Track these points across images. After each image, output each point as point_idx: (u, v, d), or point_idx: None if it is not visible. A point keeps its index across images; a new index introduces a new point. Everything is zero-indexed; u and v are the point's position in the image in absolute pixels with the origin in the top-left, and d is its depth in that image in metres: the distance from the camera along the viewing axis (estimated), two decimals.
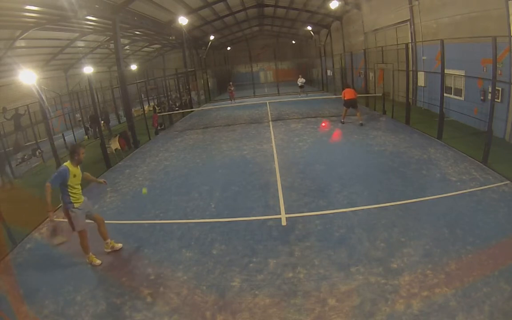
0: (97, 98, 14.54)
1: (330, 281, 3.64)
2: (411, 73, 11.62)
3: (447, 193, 5.43)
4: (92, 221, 4.56)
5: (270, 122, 13.09)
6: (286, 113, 15.02)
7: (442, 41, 8.05)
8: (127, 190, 7.15)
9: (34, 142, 12.19)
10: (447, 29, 10.30)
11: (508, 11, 7.52)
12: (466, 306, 3.08)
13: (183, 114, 17.72)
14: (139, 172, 8.38)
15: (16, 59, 13.50)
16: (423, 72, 12.38)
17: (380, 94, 13.42)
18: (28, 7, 10.25)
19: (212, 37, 25.19)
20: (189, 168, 8.28)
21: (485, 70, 8.59)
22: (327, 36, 24.87)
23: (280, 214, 5.33)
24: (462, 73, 9.74)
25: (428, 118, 10.96)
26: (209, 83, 28.54)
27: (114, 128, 16.44)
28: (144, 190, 6.41)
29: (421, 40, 12.43)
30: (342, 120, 11.52)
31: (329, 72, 25.20)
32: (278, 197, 5.96)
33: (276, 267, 3.98)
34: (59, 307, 3.66)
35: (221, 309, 3.40)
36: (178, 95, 20.12)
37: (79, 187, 4.37)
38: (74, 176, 4.26)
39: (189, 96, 20.87)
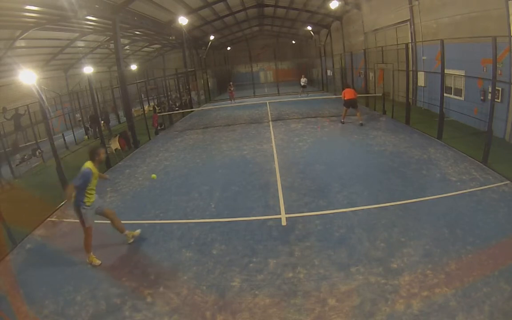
0: (97, 98, 14.53)
1: (330, 281, 3.64)
2: (411, 73, 11.62)
3: (447, 193, 5.43)
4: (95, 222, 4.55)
5: (270, 122, 13.09)
6: (286, 113, 15.02)
7: (442, 41, 8.05)
8: (127, 190, 7.15)
9: (34, 142, 12.19)
10: (447, 29, 10.30)
11: (508, 11, 7.52)
12: (466, 306, 3.08)
13: (183, 114, 17.72)
14: (139, 172, 8.38)
15: (16, 59, 13.49)
16: (423, 72, 12.38)
17: (380, 94, 13.42)
18: (28, 7, 10.25)
19: (212, 37, 25.19)
20: (189, 168, 8.28)
21: (485, 70, 8.59)
22: (327, 36, 24.86)
23: (280, 214, 5.33)
24: (462, 73, 9.74)
25: (428, 118, 10.96)
26: (209, 83, 28.53)
27: (114, 128, 16.44)
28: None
29: (421, 40, 12.43)
30: (342, 120, 11.52)
31: (329, 72, 25.19)
32: (278, 197, 5.96)
33: (276, 267, 3.98)
34: (59, 307, 3.66)
35: (221, 309, 3.40)
36: (178, 95, 20.12)
37: (95, 186, 4.45)
38: (95, 177, 4.35)
39: (189, 96, 20.87)
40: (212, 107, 20.96)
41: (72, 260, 4.58)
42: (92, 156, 4.40)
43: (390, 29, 14.84)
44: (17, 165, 10.58)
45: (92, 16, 11.52)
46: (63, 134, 14.25)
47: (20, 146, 12.37)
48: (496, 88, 6.96)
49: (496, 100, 7.11)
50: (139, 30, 17.07)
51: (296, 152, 8.66)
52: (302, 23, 25.73)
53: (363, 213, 5.08)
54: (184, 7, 16.57)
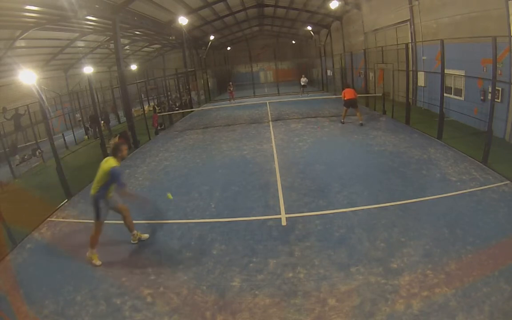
0: (97, 98, 14.54)
1: (330, 281, 3.64)
2: (411, 73, 11.61)
3: (447, 193, 5.43)
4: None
5: (270, 122, 13.09)
6: (286, 113, 15.02)
7: (442, 41, 8.05)
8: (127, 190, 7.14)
9: (34, 142, 12.19)
10: (447, 29, 10.30)
11: (508, 11, 7.52)
12: (466, 306, 3.08)
13: (183, 114, 17.71)
14: (139, 172, 8.37)
15: (16, 59, 13.49)
16: (423, 72, 12.38)
17: (380, 94, 13.41)
18: (28, 7, 10.25)
19: (212, 37, 25.18)
20: (189, 168, 8.28)
21: (485, 70, 8.59)
22: (327, 36, 24.86)
23: (280, 214, 5.33)
24: (462, 73, 9.74)
25: (428, 118, 10.95)
26: (209, 83, 28.52)
27: (114, 128, 16.44)
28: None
29: (421, 40, 12.43)
30: (342, 120, 11.52)
31: (329, 72, 25.20)
32: (278, 197, 5.96)
33: (276, 267, 3.98)
34: (59, 307, 3.66)
35: (221, 309, 3.40)
36: (178, 95, 20.12)
37: None
38: None
39: (189, 96, 20.86)
40: (212, 107, 20.95)
41: (72, 260, 4.58)
42: (115, 153, 4.42)
43: (390, 29, 14.84)
44: (17, 165, 10.58)
45: (92, 16, 11.52)
46: (63, 134, 14.26)
47: (19, 146, 12.39)
48: (496, 88, 6.96)
49: (496, 100, 7.11)
50: (139, 30, 17.07)
51: (296, 152, 8.66)
52: (302, 23, 25.73)
53: (363, 213, 5.08)
54: (184, 7, 16.56)
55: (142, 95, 17.43)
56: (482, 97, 8.92)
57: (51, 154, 8.35)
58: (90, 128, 15.63)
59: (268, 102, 17.78)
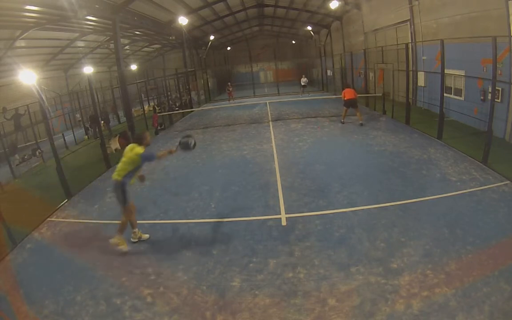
0: (97, 98, 14.54)
1: (330, 281, 3.64)
2: (411, 73, 11.61)
3: (447, 193, 5.43)
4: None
5: (270, 122, 13.09)
6: (286, 113, 15.01)
7: (442, 41, 8.05)
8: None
9: (34, 142, 12.19)
10: (447, 29, 10.30)
11: (508, 11, 7.52)
12: (466, 306, 3.08)
13: (183, 114, 17.71)
14: None
15: (16, 59, 13.49)
16: (423, 72, 12.37)
17: (380, 94, 13.41)
18: (28, 7, 10.25)
19: (212, 37, 25.18)
20: (189, 168, 8.28)
21: (485, 70, 8.59)
22: (327, 36, 24.86)
23: (280, 214, 5.33)
24: (462, 73, 9.74)
25: (428, 118, 10.95)
26: (209, 83, 28.52)
27: (114, 128, 16.44)
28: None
29: (421, 40, 12.43)
30: (342, 120, 11.52)
31: (329, 72, 25.19)
32: (278, 197, 5.96)
33: (276, 267, 3.98)
34: (59, 307, 3.66)
35: (221, 309, 3.40)
36: (178, 95, 20.12)
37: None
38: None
39: (189, 96, 20.86)
40: (212, 107, 20.95)
41: (72, 260, 4.58)
42: (140, 141, 4.59)
43: (390, 29, 14.84)
44: (17, 165, 10.58)
45: (92, 16, 11.52)
46: (63, 134, 14.26)
47: (19, 146, 12.38)
48: (496, 88, 6.96)
49: (496, 100, 7.11)
50: (139, 30, 17.06)
51: (296, 152, 8.66)
52: (302, 23, 25.73)
53: (363, 213, 5.08)
54: (184, 7, 16.56)
55: (142, 95, 17.48)
56: (482, 97, 8.92)
57: (51, 154, 8.35)
58: (90, 128, 15.64)
59: (268, 102, 17.78)
